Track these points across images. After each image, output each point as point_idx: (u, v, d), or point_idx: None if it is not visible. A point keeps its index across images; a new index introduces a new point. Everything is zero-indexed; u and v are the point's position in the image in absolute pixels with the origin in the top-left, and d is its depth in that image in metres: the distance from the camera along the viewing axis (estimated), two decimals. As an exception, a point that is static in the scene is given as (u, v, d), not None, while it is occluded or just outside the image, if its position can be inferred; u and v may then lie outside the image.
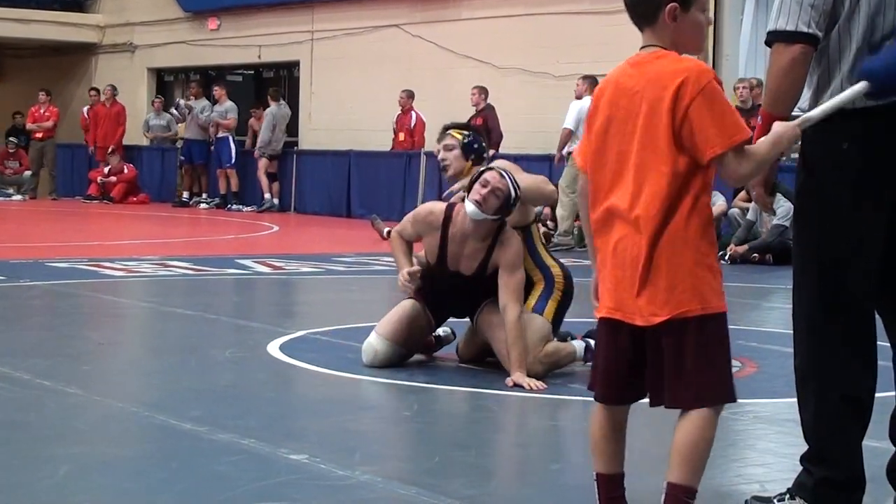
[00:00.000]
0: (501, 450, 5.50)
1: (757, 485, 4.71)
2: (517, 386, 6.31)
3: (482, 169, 6.64)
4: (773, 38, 3.91)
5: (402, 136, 20.43)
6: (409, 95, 20.30)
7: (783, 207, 14.49)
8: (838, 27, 3.91)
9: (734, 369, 7.20)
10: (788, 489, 4.22)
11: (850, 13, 3.90)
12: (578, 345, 7.03)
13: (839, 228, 3.94)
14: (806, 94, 3.99)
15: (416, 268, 6.74)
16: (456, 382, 6.58)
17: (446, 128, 7.34)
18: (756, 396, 6.44)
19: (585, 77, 16.34)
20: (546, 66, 19.36)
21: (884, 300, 4.11)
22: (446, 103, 20.02)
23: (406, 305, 6.89)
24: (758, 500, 4.28)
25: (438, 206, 6.86)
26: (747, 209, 14.81)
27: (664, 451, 3.95)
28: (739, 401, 6.16)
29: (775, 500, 4.22)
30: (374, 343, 6.81)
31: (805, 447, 4.20)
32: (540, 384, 6.32)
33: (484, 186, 6.46)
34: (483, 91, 18.56)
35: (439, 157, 7.21)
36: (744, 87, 16.55)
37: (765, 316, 10.44)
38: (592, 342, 5.86)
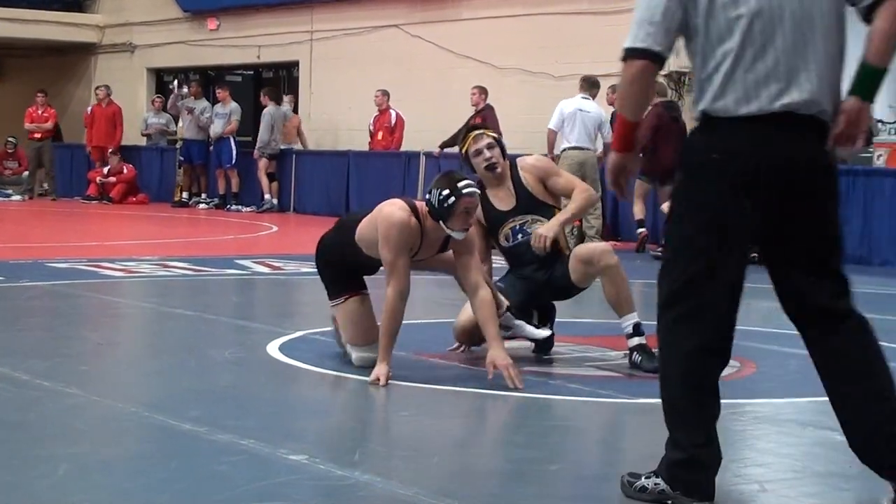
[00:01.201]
0: (500, 450, 5.50)
1: (756, 485, 4.72)
2: (496, 369, 6.35)
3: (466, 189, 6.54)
4: (623, 54, 4.16)
5: (380, 136, 20.46)
6: (385, 94, 20.32)
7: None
8: (706, 31, 4.10)
9: (731, 370, 7.25)
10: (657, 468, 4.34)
11: (702, 25, 4.09)
12: (538, 332, 7.14)
13: (711, 227, 4.12)
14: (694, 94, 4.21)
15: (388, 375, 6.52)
16: (454, 383, 6.57)
17: (469, 130, 7.39)
18: (755, 396, 6.44)
19: (584, 77, 16.31)
20: (545, 66, 19.38)
21: (778, 290, 4.42)
22: (446, 103, 20.06)
23: (358, 306, 6.87)
24: (632, 476, 4.37)
25: (406, 213, 6.53)
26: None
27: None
28: (738, 401, 6.22)
29: (643, 477, 4.32)
30: (359, 356, 6.80)
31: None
32: (517, 378, 6.32)
33: (469, 216, 6.48)
34: (483, 91, 18.55)
35: (485, 156, 7.22)
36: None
37: (764, 316, 10.42)
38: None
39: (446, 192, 6.37)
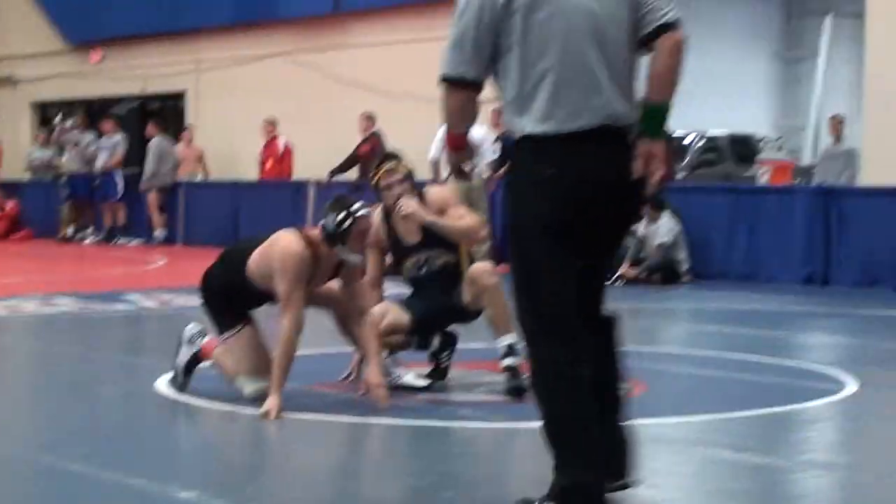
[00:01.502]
0: (394, 479, 5.49)
1: (647, 505, 4.76)
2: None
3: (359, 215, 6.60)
4: (442, 79, 4.33)
5: (269, 165, 20.39)
6: (272, 123, 20.28)
7: (666, 226, 14.70)
8: (519, 57, 4.24)
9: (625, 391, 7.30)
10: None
11: (515, 45, 4.22)
12: (417, 381, 7.20)
13: (541, 242, 4.23)
14: (507, 112, 4.32)
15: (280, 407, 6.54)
16: (347, 413, 6.56)
17: (384, 160, 7.36)
18: (646, 416, 6.47)
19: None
20: (433, 91, 19.39)
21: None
22: (335, 131, 20.06)
23: (254, 335, 6.84)
24: (524, 502, 4.41)
25: (301, 245, 6.52)
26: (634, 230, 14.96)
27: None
28: (630, 421, 6.26)
29: (536, 502, 4.36)
30: (254, 388, 6.75)
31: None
32: (383, 398, 6.48)
33: (364, 237, 6.61)
34: (370, 118, 18.59)
35: (395, 191, 7.17)
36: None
37: (653, 336, 10.55)
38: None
39: (342, 215, 6.44)
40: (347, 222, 6.43)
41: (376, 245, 7.34)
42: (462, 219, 7.22)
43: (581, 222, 4.24)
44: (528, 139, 4.23)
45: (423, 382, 7.21)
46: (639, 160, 4.22)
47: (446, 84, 4.32)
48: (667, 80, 4.24)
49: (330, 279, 6.78)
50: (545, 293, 4.27)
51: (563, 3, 4.19)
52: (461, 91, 4.31)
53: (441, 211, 7.25)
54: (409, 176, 7.28)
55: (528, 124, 4.22)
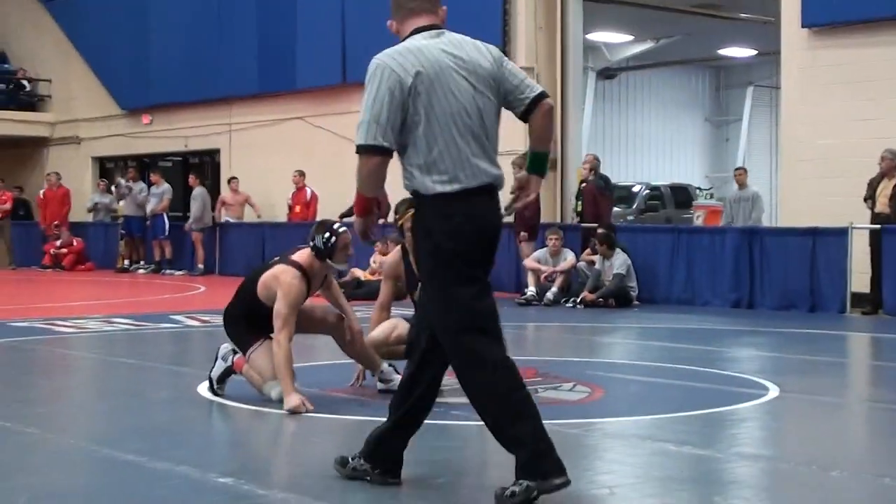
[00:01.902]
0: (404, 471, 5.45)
1: (606, 489, 4.74)
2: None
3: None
4: (359, 150, 4.41)
5: (297, 209, 20.40)
6: (301, 174, 20.32)
7: (620, 259, 14.72)
8: (423, 132, 4.41)
9: (584, 395, 7.29)
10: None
11: (422, 122, 4.40)
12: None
13: (449, 277, 4.40)
14: (413, 176, 4.48)
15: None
16: (355, 412, 6.53)
17: (410, 206, 7.34)
18: (604, 416, 6.48)
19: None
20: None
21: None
22: (343, 181, 19.99)
23: (267, 348, 6.80)
24: (503, 489, 4.36)
25: (298, 279, 6.73)
26: (593, 262, 14.98)
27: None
28: (590, 420, 6.25)
29: (511, 485, 4.34)
30: (276, 392, 6.69)
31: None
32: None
33: (348, 249, 6.84)
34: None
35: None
36: (584, 165, 16.88)
37: (610, 350, 10.54)
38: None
39: (327, 234, 6.75)
40: (333, 239, 6.75)
41: (394, 276, 7.37)
42: None
43: (477, 252, 4.46)
44: (439, 196, 4.41)
45: None
46: (519, 187, 4.64)
47: (363, 152, 4.41)
48: (547, 135, 4.63)
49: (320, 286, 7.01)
50: (462, 302, 4.41)
51: (454, 89, 4.42)
52: (376, 157, 4.40)
53: None
54: None
55: (438, 185, 4.41)
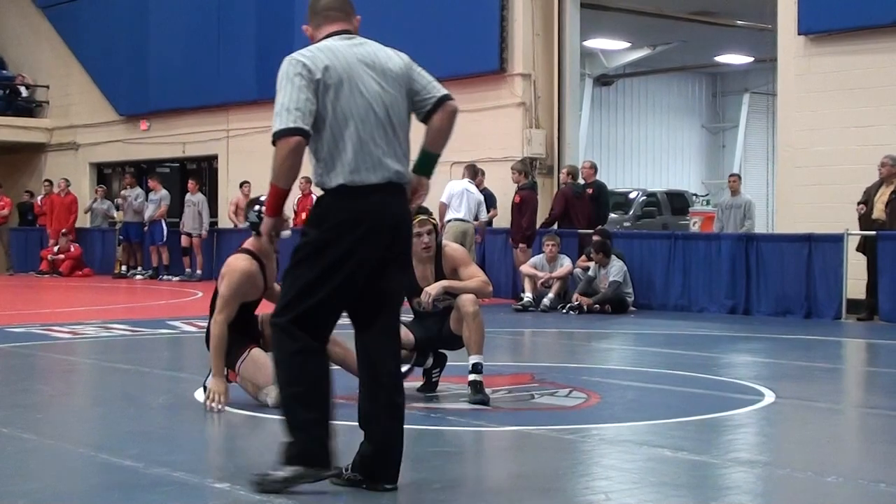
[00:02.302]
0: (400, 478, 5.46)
1: (602, 494, 4.74)
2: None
3: None
4: (275, 137, 4.47)
5: (304, 216, 20.32)
6: (308, 181, 20.27)
7: (616, 266, 14.73)
8: (329, 126, 4.53)
9: (580, 401, 7.29)
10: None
11: (328, 117, 4.53)
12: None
13: (326, 270, 4.54)
14: (318, 170, 4.60)
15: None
16: (347, 418, 6.52)
17: (417, 213, 7.31)
18: (600, 422, 6.48)
19: (467, 165, 16.56)
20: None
21: (357, 327, 4.74)
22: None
23: (260, 351, 6.86)
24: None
25: (247, 260, 6.95)
26: (588, 268, 14.99)
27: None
28: (586, 426, 6.26)
29: (344, 469, 4.71)
30: (272, 397, 6.72)
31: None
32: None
33: None
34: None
35: (423, 240, 7.16)
36: (584, 167, 16.89)
37: (606, 356, 10.55)
38: None
39: (257, 207, 7.05)
40: (263, 209, 6.75)
41: None
42: (473, 278, 7.21)
43: (366, 250, 4.56)
44: (339, 188, 4.53)
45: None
46: (411, 187, 4.71)
47: (279, 138, 4.46)
48: (442, 137, 4.73)
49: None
50: (322, 295, 4.55)
51: (362, 87, 4.56)
52: (293, 138, 4.45)
53: (454, 269, 7.23)
54: (435, 229, 7.28)
55: (340, 178, 4.53)
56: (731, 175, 17.54)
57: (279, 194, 4.57)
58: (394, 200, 4.62)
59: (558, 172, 18.41)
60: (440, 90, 4.72)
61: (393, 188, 4.60)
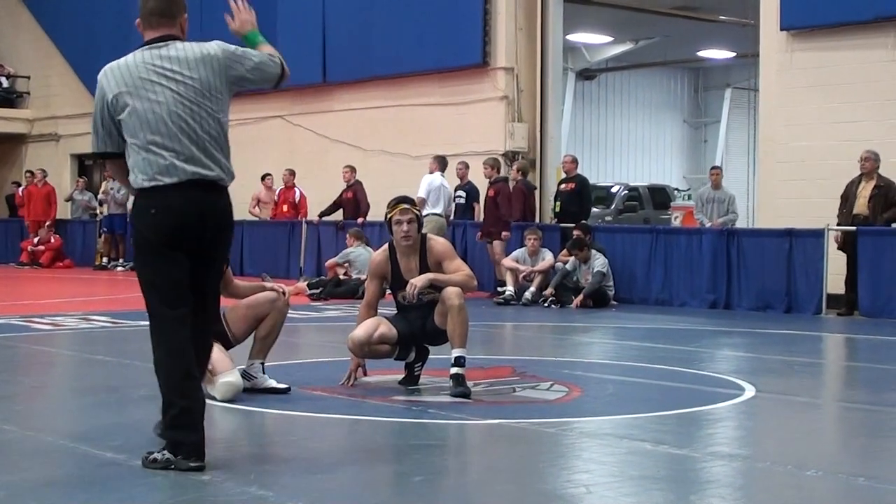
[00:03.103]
0: (374, 465, 5.46)
1: (583, 488, 4.75)
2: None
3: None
4: (91, 155, 4.98)
5: (285, 208, 20.31)
6: (292, 173, 20.25)
7: (600, 260, 14.76)
8: (129, 138, 5.03)
9: (561, 395, 7.31)
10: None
11: (129, 129, 5.01)
12: (278, 385, 7.12)
13: (155, 265, 5.01)
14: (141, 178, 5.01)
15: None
16: (335, 411, 6.53)
17: (400, 202, 7.29)
18: (581, 416, 6.50)
19: (436, 157, 16.61)
20: (404, 148, 19.48)
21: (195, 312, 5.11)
22: (322, 179, 20.05)
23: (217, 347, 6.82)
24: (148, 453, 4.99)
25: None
26: (567, 262, 15.02)
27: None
28: (567, 419, 6.27)
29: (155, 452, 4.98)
30: (235, 382, 6.76)
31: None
32: None
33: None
34: (352, 169, 18.62)
35: (403, 229, 7.15)
36: (565, 161, 16.88)
37: (587, 350, 10.57)
38: None
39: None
40: None
41: (380, 275, 7.34)
42: (458, 271, 7.20)
43: (176, 241, 4.96)
44: (142, 190, 4.97)
45: (282, 387, 7.09)
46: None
47: (97, 158, 5.24)
48: (266, 58, 5.44)
49: None
50: (161, 280, 5.01)
51: (153, 96, 4.99)
52: (108, 160, 5.23)
53: (439, 262, 7.22)
54: (417, 218, 7.26)
55: (142, 181, 4.96)
56: (713, 168, 17.43)
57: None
58: (194, 196, 4.98)
59: (541, 166, 18.45)
60: (267, 52, 5.38)
61: (194, 186, 4.98)
